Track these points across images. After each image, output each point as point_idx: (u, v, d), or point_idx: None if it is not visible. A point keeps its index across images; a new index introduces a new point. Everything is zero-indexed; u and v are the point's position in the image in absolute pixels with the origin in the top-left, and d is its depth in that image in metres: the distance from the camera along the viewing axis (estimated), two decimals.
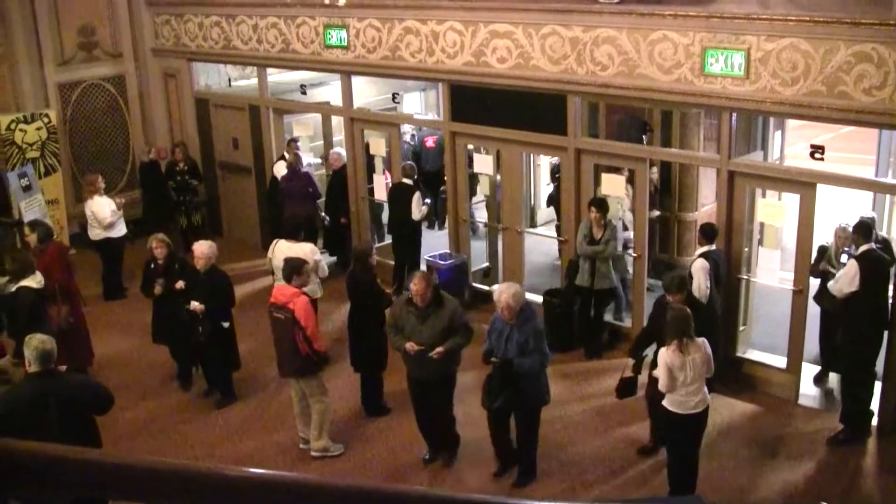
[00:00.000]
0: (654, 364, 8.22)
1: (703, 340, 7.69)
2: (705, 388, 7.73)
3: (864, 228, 8.99)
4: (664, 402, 7.76)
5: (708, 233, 9.71)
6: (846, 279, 8.76)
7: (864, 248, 8.84)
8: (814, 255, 9.61)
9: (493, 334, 8.11)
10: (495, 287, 8.18)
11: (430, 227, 14.89)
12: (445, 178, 12.60)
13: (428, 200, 12.85)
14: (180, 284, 9.98)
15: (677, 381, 7.56)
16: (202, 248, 9.72)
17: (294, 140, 14.10)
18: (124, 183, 15.57)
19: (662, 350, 7.74)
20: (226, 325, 9.76)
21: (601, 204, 10.49)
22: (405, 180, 12.45)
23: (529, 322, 8.00)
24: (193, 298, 9.59)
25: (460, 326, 8.25)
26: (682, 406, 7.65)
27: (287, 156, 13.67)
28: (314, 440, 8.99)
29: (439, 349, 8.07)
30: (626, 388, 8.73)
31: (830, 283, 9.05)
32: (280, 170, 13.59)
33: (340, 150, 13.62)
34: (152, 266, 10.27)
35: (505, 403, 8.07)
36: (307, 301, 8.69)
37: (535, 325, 8.10)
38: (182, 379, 10.58)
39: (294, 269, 8.78)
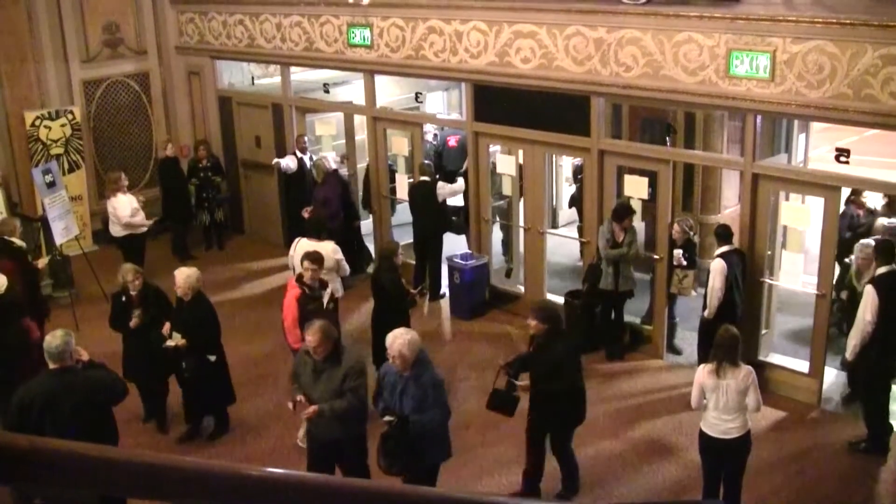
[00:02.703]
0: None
1: (748, 370, 7.33)
2: (745, 417, 7.37)
3: (886, 249, 8.73)
4: (700, 423, 7.56)
5: (723, 234, 9.65)
6: (864, 308, 8.47)
7: (882, 270, 8.62)
8: (837, 269, 9.46)
9: (386, 389, 7.25)
10: (389, 335, 7.19)
11: (458, 232, 13.89)
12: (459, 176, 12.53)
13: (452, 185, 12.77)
14: (166, 328, 8.99)
15: (708, 403, 7.34)
16: (181, 277, 8.89)
17: (302, 135, 14.11)
18: (147, 180, 15.64)
19: (701, 366, 7.57)
20: (212, 358, 9.02)
21: (629, 211, 10.47)
22: (424, 178, 12.44)
23: (426, 373, 7.10)
24: (176, 331, 8.88)
25: (349, 390, 7.24)
26: (714, 429, 7.38)
27: (297, 152, 13.81)
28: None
29: (311, 409, 7.26)
30: (497, 400, 8.02)
31: (852, 343, 8.68)
32: (289, 163, 13.65)
33: (329, 155, 13.47)
34: (124, 298, 9.28)
35: (404, 467, 7.26)
36: (294, 297, 8.80)
37: (433, 375, 7.18)
38: (151, 417, 9.69)
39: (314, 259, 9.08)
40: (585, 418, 8.11)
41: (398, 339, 7.02)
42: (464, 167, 12.74)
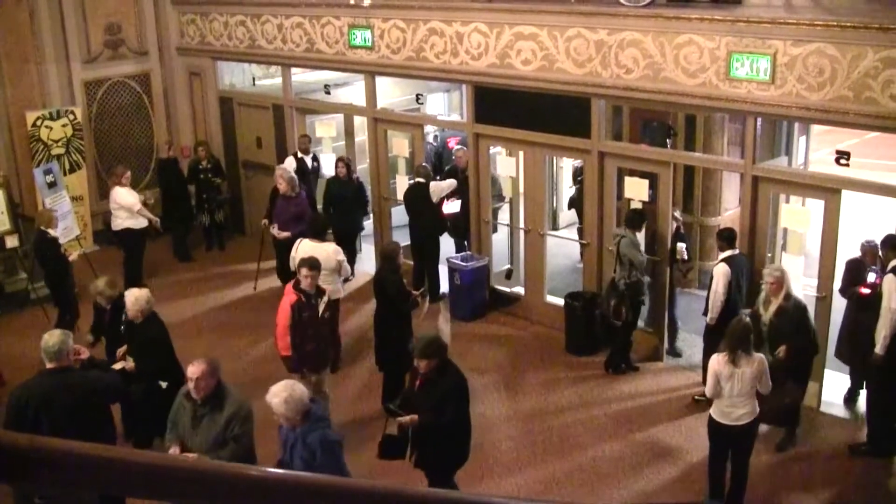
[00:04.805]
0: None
1: (761, 357, 7.58)
2: (755, 402, 7.61)
3: (893, 242, 8.78)
4: (710, 410, 7.75)
5: (727, 237, 9.63)
6: (889, 298, 8.40)
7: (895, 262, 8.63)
8: (840, 269, 9.42)
9: (282, 443, 6.54)
10: (269, 392, 6.26)
11: (460, 237, 13.55)
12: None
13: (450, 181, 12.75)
14: (120, 352, 8.51)
15: (723, 391, 7.51)
16: (131, 299, 8.24)
17: (305, 136, 14.05)
18: (147, 180, 15.64)
19: (715, 355, 7.68)
20: (163, 385, 8.19)
21: (644, 217, 10.47)
22: (420, 180, 12.41)
23: (315, 433, 6.18)
24: (128, 353, 8.35)
25: (232, 438, 6.43)
26: (726, 416, 7.60)
27: (297, 153, 13.72)
28: None
29: (192, 457, 6.29)
30: (387, 447, 7.59)
31: (882, 335, 8.53)
32: (290, 164, 13.52)
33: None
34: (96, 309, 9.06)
35: None
36: (286, 303, 8.69)
37: (325, 435, 6.22)
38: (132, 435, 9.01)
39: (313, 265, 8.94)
40: (468, 459, 7.62)
41: (274, 398, 6.16)
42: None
